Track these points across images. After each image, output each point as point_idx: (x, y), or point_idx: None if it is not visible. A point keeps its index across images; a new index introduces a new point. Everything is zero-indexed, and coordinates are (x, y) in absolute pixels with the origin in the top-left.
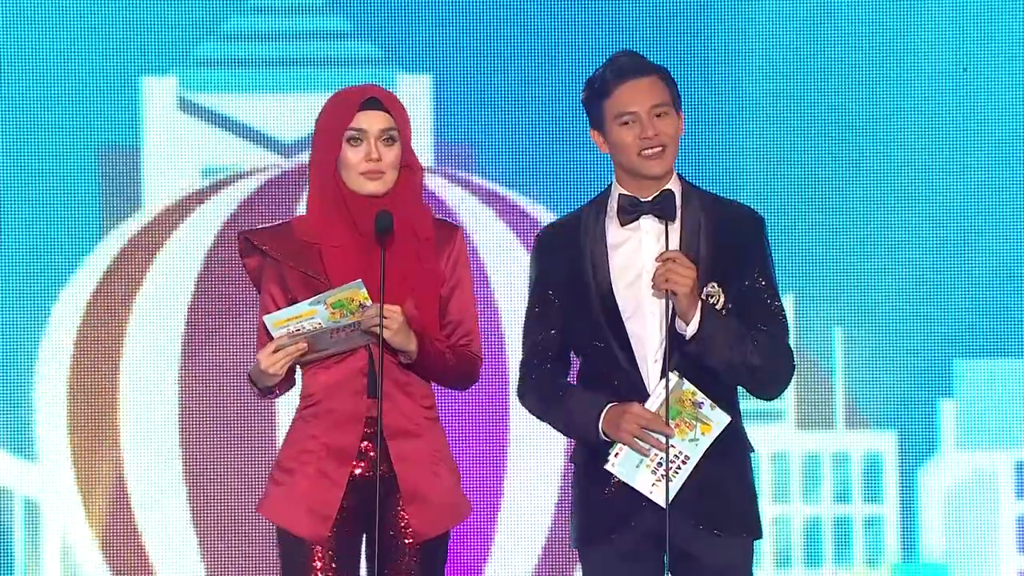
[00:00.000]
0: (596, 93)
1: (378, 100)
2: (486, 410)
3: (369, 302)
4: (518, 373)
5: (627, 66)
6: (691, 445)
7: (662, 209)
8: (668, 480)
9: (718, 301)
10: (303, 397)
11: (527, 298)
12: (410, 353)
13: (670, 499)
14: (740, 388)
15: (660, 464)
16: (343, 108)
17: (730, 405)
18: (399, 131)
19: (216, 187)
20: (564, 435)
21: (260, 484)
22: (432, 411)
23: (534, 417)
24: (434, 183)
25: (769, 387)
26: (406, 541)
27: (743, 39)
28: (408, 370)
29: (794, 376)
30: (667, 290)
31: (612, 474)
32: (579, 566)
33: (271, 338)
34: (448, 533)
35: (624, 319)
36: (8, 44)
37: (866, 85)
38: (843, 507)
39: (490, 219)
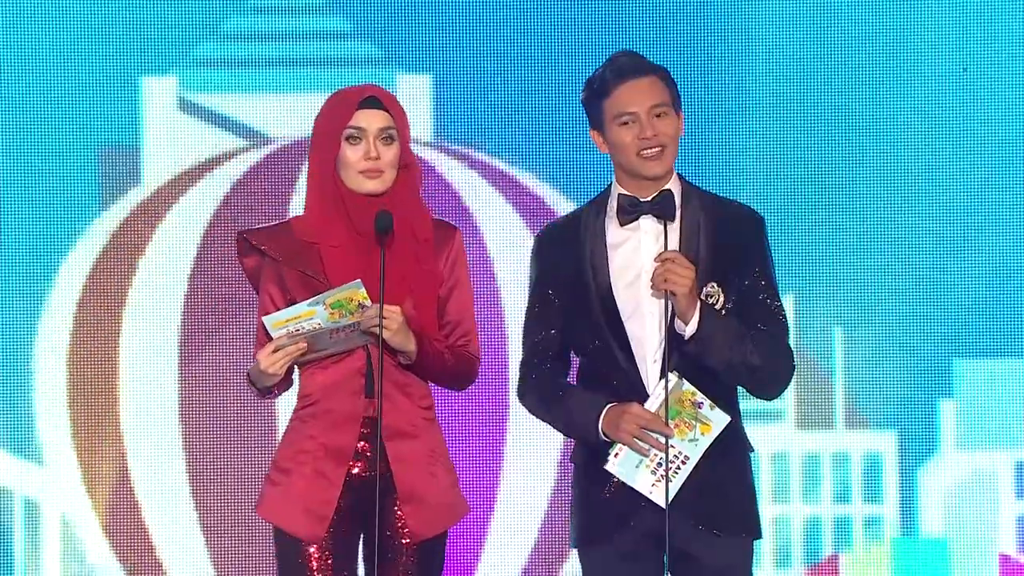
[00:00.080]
0: (595, 93)
1: (377, 99)
2: (484, 410)
3: (368, 302)
4: (518, 373)
5: (627, 66)
6: (691, 445)
7: (661, 209)
8: (668, 480)
9: (717, 301)
10: (301, 397)
11: (527, 298)
12: (409, 353)
13: (670, 499)
14: (740, 388)
15: (660, 464)
16: (342, 107)
17: (730, 405)
18: (398, 130)
19: (210, 165)
20: (564, 435)
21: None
22: (430, 411)
23: (534, 417)
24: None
25: (769, 387)
26: (403, 541)
27: (743, 39)
28: (407, 370)
29: (794, 376)
30: (666, 290)
31: (612, 474)
32: (565, 565)
33: (270, 338)
34: (445, 533)
35: (623, 319)
36: (8, 44)
37: (866, 85)
38: (843, 507)
39: (496, 200)
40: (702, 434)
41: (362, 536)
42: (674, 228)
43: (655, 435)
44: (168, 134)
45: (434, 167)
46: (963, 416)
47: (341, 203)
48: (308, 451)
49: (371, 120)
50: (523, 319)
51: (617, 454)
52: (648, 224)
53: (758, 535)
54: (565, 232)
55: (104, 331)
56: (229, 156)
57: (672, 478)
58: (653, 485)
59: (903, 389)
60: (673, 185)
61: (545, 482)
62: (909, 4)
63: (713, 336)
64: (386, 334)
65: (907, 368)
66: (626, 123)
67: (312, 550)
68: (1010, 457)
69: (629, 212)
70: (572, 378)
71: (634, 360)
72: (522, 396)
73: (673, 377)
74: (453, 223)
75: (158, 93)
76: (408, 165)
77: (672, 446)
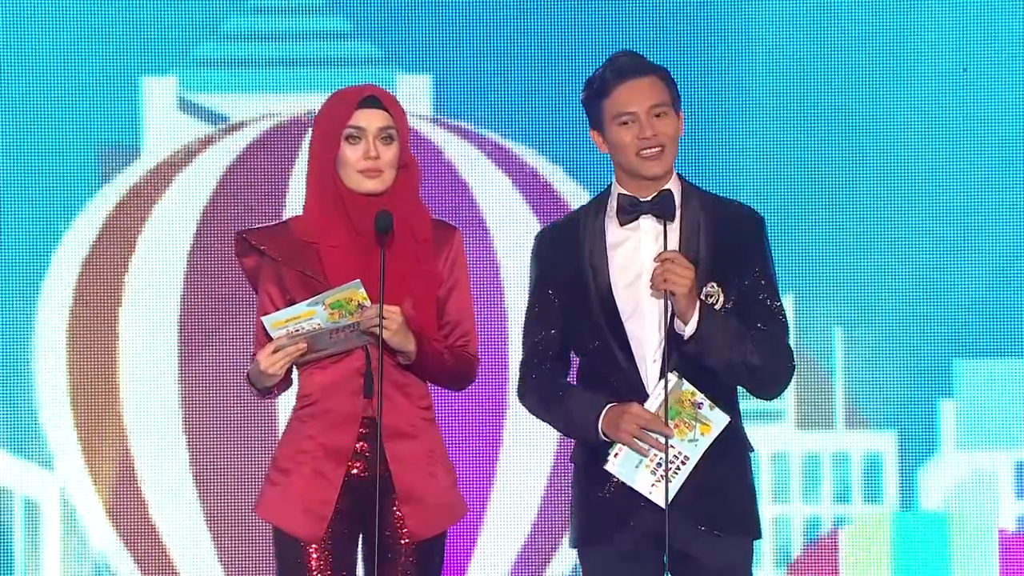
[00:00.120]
0: (595, 93)
1: (376, 98)
2: (483, 410)
3: (368, 302)
4: (518, 373)
5: (626, 66)
6: (690, 445)
7: (661, 209)
8: (667, 480)
9: (717, 301)
10: (300, 397)
11: (527, 298)
12: (409, 354)
13: (669, 499)
14: (740, 388)
15: (659, 464)
16: (342, 107)
17: (730, 405)
18: (397, 130)
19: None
20: (564, 435)
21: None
22: (429, 412)
23: (534, 417)
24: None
25: (769, 387)
26: (402, 541)
27: (743, 39)
28: (406, 371)
29: (794, 376)
30: (665, 290)
31: (612, 474)
32: (551, 565)
33: (269, 339)
34: (444, 533)
35: (623, 319)
36: (8, 44)
37: (866, 85)
38: (843, 507)
39: (497, 199)
40: (702, 434)
41: (361, 536)
42: (674, 228)
43: (655, 435)
44: (168, 134)
45: (441, 150)
46: (963, 416)
47: (340, 203)
48: (307, 451)
49: (371, 119)
50: (523, 319)
51: (617, 454)
52: (648, 224)
53: (758, 535)
54: (565, 232)
55: (103, 330)
56: (230, 130)
57: (672, 478)
58: (653, 485)
59: (903, 389)
60: (673, 185)
61: (539, 482)
62: (909, 4)
63: (713, 336)
64: (386, 334)
65: (907, 368)
66: (625, 123)
67: (311, 550)
68: (1010, 457)
69: (629, 212)
70: (572, 378)
71: (634, 360)
72: (522, 396)
73: (673, 377)
74: (452, 223)
75: (158, 93)
76: (407, 165)
77: (672, 446)
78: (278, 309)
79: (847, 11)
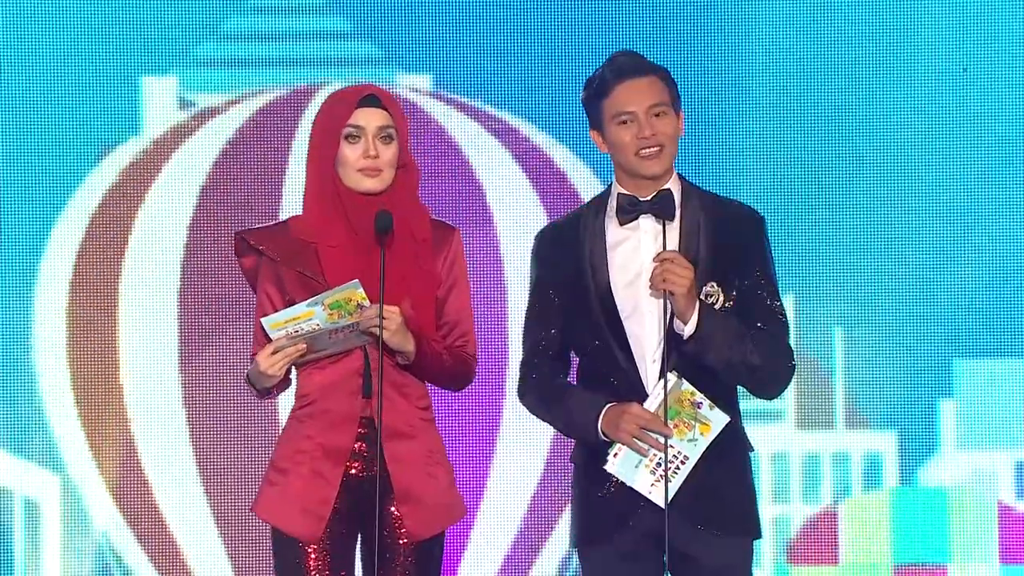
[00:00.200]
0: (595, 93)
1: (376, 98)
2: (482, 410)
3: (367, 302)
4: (518, 373)
5: (626, 66)
6: (690, 445)
7: (661, 209)
8: (667, 480)
9: (717, 300)
10: (298, 397)
11: (527, 297)
12: (408, 354)
13: (669, 499)
14: (740, 388)
15: (659, 464)
16: (341, 106)
17: (729, 405)
18: (397, 130)
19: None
20: (564, 434)
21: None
22: (428, 412)
23: (534, 417)
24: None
25: (769, 387)
26: (400, 542)
27: (743, 39)
28: (405, 371)
29: (794, 376)
30: (665, 290)
31: (611, 474)
32: (537, 565)
33: (269, 339)
34: (443, 534)
35: (623, 319)
36: (8, 44)
37: (866, 85)
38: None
39: (498, 150)
40: (701, 434)
41: (359, 536)
42: (673, 228)
43: (654, 435)
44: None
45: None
46: (963, 416)
47: (339, 202)
48: (305, 451)
49: (370, 119)
50: (523, 319)
51: (616, 454)
52: (647, 224)
53: (758, 535)
54: (565, 232)
55: (102, 331)
56: (226, 106)
57: (671, 478)
58: (652, 485)
59: (903, 389)
60: (673, 185)
61: (533, 480)
62: (909, 4)
63: (712, 336)
64: (385, 334)
65: (907, 368)
66: (625, 123)
67: (310, 550)
68: (1010, 457)
69: (628, 212)
70: (572, 378)
71: (633, 360)
72: (522, 396)
73: (672, 377)
74: (451, 223)
75: (158, 93)
76: (407, 165)
77: (671, 446)
78: (277, 309)
79: (847, 11)
